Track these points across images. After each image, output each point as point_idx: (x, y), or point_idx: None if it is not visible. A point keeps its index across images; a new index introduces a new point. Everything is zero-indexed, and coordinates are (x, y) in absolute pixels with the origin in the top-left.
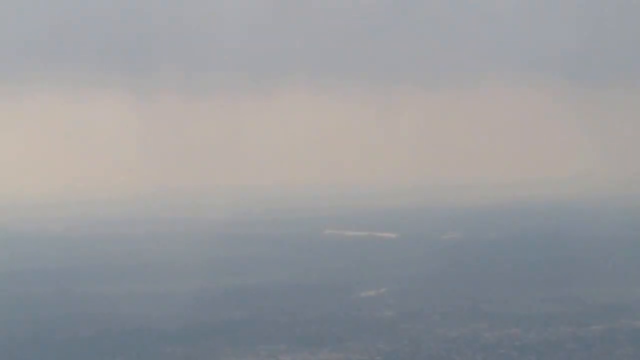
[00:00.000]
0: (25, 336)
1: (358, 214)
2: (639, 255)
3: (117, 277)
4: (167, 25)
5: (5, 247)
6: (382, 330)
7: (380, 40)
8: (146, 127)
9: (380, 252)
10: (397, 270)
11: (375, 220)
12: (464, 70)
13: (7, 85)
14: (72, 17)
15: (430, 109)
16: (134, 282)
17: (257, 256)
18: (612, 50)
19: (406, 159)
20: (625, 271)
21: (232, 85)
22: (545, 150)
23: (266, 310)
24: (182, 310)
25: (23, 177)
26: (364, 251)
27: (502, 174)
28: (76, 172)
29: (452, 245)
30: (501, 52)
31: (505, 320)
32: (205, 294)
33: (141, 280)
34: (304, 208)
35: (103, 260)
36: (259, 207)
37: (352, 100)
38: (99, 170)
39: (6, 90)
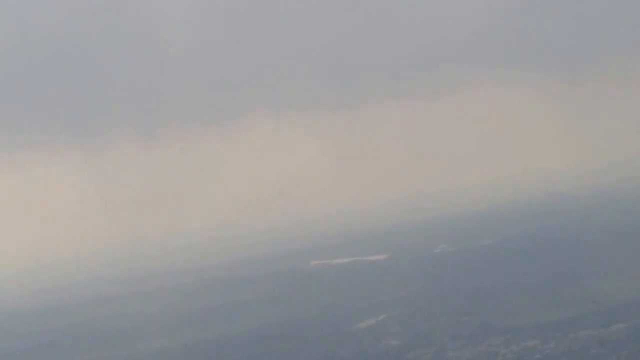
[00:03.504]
0: None
1: (341, 241)
2: (637, 247)
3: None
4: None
5: None
6: None
7: None
8: (103, 182)
9: (372, 278)
10: (392, 294)
11: (359, 244)
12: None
13: None
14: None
15: (394, 120)
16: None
17: (245, 300)
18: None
19: (374, 177)
20: (631, 265)
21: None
22: (518, 148)
23: (264, 357)
24: None
25: None
26: (355, 279)
27: (475, 178)
28: (40, 238)
29: (446, 259)
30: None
31: (520, 333)
32: (196, 348)
33: (133, 342)
34: (285, 242)
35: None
36: (235, 250)
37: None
38: (59, 235)
39: None
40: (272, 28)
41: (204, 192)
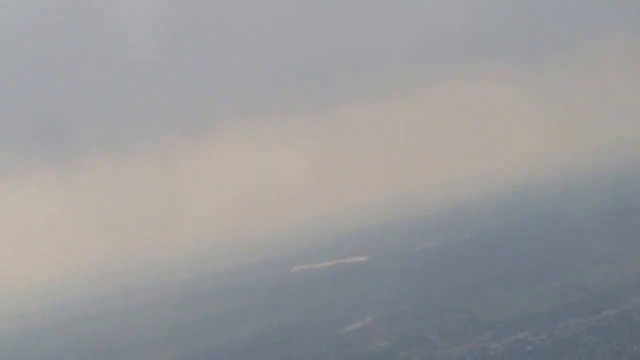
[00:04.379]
0: None
1: (322, 244)
2: (619, 233)
3: None
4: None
5: None
6: None
7: None
8: (76, 203)
9: (355, 279)
10: (377, 294)
11: (341, 246)
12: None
13: None
14: None
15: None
16: None
17: (232, 310)
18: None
19: (349, 180)
20: (612, 249)
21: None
22: (489, 140)
23: None
24: None
25: None
26: (338, 282)
27: (449, 174)
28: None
29: (428, 256)
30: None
31: (509, 326)
32: None
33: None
34: (266, 250)
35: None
36: (216, 261)
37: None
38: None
39: None
40: (229, 34)
41: (182, 205)
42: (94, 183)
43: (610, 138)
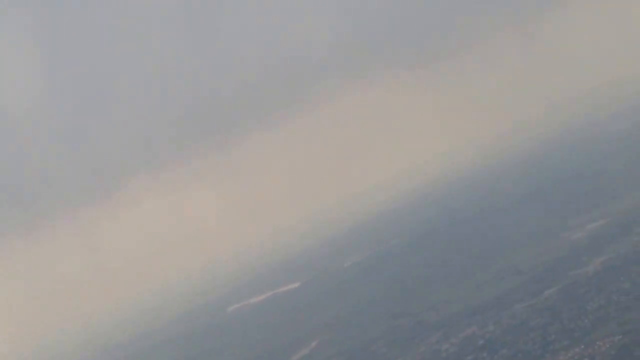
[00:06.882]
0: None
1: (251, 277)
2: (537, 214)
3: None
4: None
5: None
6: None
7: None
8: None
9: (292, 307)
10: (317, 318)
11: (271, 276)
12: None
13: None
14: None
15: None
16: None
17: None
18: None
19: (264, 209)
20: (537, 228)
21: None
22: (398, 144)
23: None
24: None
25: None
26: (277, 314)
27: (363, 183)
28: None
29: (359, 270)
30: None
31: (455, 323)
32: None
33: None
34: (202, 292)
35: None
36: (150, 316)
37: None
38: None
39: None
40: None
41: (105, 270)
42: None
43: (507, 126)
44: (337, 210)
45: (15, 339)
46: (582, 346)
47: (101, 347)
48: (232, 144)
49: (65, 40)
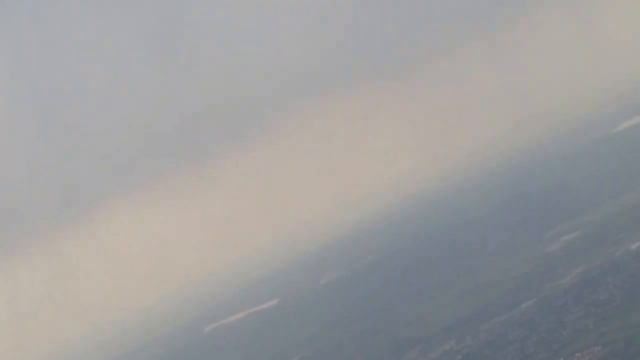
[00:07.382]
0: None
1: (228, 296)
2: (508, 226)
3: None
4: None
5: None
6: None
7: None
8: None
9: (270, 326)
10: (294, 336)
11: (248, 295)
12: None
13: None
14: None
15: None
16: None
17: None
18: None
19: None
20: (506, 241)
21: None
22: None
23: None
24: None
25: None
26: (254, 334)
27: (335, 201)
28: None
29: (336, 287)
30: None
31: (433, 339)
32: None
33: None
34: (178, 315)
35: None
36: (129, 340)
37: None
38: None
39: None
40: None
41: (79, 296)
42: None
43: (478, 141)
44: (313, 227)
45: None
46: (562, 358)
47: None
48: (209, 164)
49: (31, 61)
